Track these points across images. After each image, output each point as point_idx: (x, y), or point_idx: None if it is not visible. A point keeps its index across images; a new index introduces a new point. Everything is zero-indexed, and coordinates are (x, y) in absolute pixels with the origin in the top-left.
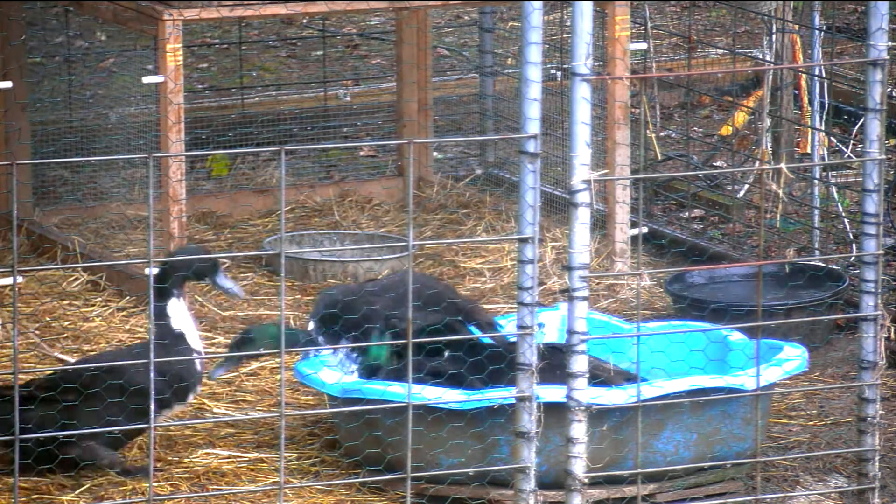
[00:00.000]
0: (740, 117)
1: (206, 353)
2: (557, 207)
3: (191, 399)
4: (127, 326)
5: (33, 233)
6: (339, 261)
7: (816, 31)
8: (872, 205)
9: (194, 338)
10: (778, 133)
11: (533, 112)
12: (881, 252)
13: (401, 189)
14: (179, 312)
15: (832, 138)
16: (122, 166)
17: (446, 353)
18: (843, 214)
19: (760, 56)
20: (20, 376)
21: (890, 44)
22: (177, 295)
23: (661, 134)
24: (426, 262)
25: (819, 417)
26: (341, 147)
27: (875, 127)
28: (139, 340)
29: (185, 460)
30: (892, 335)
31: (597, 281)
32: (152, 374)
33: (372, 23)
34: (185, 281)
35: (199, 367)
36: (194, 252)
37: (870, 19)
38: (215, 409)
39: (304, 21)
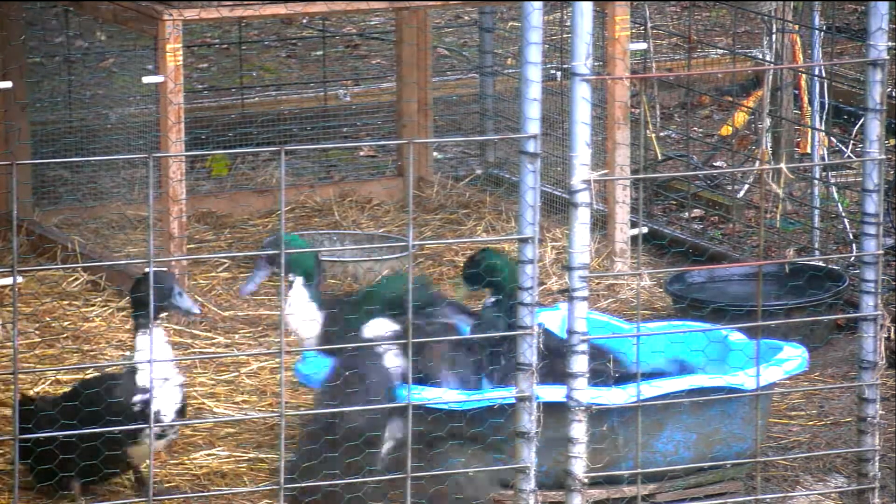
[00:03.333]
0: (740, 117)
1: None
2: (557, 207)
3: (147, 439)
4: (127, 326)
5: (33, 233)
6: (339, 261)
7: (816, 31)
8: (872, 205)
9: (145, 375)
10: (778, 133)
11: (533, 112)
12: (881, 252)
13: (401, 189)
14: (143, 346)
15: (832, 138)
16: (122, 166)
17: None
18: (843, 214)
19: (760, 56)
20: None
21: (890, 44)
22: (142, 326)
23: (661, 134)
24: (426, 262)
25: (819, 417)
26: (341, 147)
27: (875, 127)
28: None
29: (186, 460)
30: (892, 335)
31: (597, 281)
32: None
33: (372, 23)
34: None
35: (143, 406)
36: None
37: (870, 19)
38: (215, 409)
39: (304, 21)
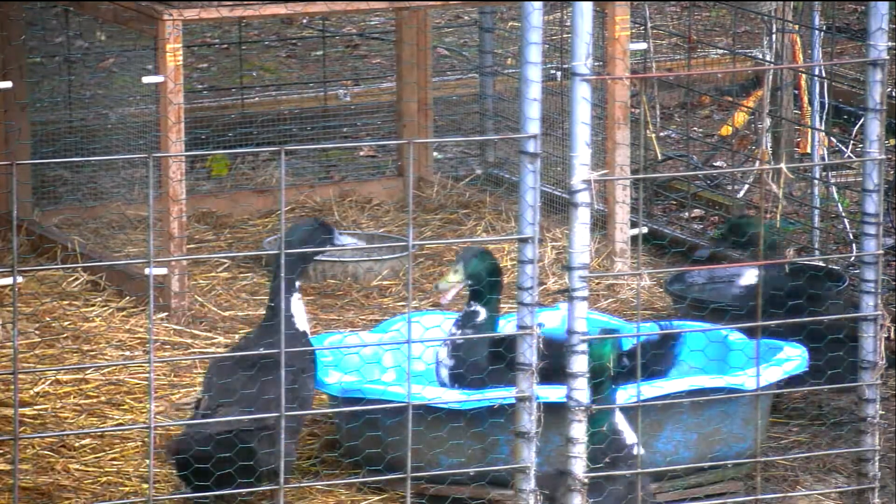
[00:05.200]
0: (740, 117)
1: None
2: (557, 207)
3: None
4: (127, 326)
5: (33, 233)
6: (339, 261)
7: (816, 31)
8: (872, 205)
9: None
10: (778, 133)
11: (533, 112)
12: (881, 252)
13: (401, 189)
14: (300, 309)
15: (832, 138)
16: (122, 166)
17: None
18: (843, 214)
19: (760, 56)
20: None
21: (890, 44)
22: (298, 288)
23: (661, 134)
24: (426, 262)
25: (819, 417)
26: (341, 147)
27: (875, 127)
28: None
29: None
30: (892, 335)
31: (597, 281)
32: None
33: (372, 23)
34: (308, 266)
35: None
36: (308, 229)
37: (870, 19)
38: None
39: (304, 21)
